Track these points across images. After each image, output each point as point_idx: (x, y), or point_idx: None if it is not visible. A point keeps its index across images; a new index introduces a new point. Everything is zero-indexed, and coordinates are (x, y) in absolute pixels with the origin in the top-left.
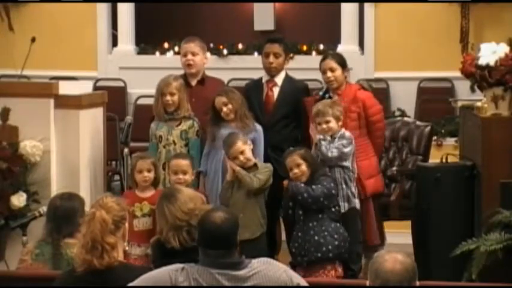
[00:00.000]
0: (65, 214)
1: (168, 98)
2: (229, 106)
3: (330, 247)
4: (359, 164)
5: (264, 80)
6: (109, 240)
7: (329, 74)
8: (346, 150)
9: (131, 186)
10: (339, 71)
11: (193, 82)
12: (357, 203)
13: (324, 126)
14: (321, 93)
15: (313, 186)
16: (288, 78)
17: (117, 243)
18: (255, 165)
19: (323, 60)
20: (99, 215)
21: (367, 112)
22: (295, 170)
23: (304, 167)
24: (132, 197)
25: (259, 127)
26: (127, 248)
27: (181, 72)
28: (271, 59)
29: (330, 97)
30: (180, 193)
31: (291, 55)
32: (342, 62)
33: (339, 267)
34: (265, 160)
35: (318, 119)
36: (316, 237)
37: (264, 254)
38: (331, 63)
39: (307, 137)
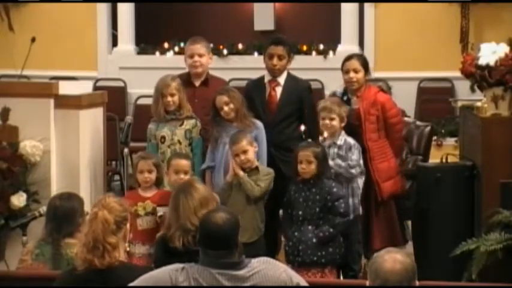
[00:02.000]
0: (65, 214)
1: (169, 99)
2: (231, 105)
3: (323, 253)
4: (378, 166)
5: (266, 80)
6: (110, 240)
7: (352, 74)
8: (352, 171)
9: (133, 186)
10: (361, 73)
11: (197, 82)
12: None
13: (327, 121)
14: (338, 94)
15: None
16: (290, 77)
17: (119, 243)
18: (257, 168)
19: (348, 59)
20: (101, 215)
21: (387, 114)
22: (304, 165)
23: (313, 166)
24: (135, 197)
25: (260, 124)
26: (128, 249)
27: (181, 72)
28: (275, 61)
29: (348, 99)
30: (196, 192)
31: (292, 56)
32: (366, 65)
33: (329, 272)
34: (269, 159)
35: (324, 113)
36: (314, 240)
37: (262, 255)
38: (356, 64)
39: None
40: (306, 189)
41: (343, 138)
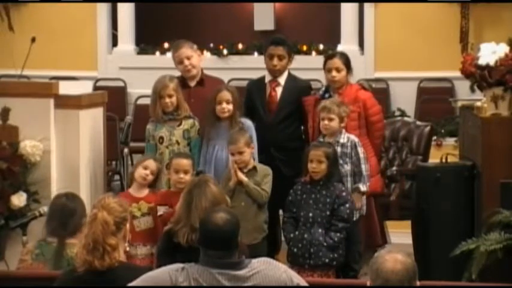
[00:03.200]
0: (71, 213)
1: (167, 100)
2: (230, 106)
3: (335, 255)
4: None
5: (266, 80)
6: (110, 241)
7: (334, 73)
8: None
9: (129, 183)
10: (344, 72)
11: (192, 83)
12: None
13: (326, 122)
14: (320, 92)
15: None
16: (290, 77)
17: (118, 244)
18: (255, 168)
19: (330, 58)
20: (101, 217)
21: (368, 112)
22: (314, 165)
23: (324, 165)
24: (128, 198)
25: (249, 123)
26: (128, 249)
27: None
28: (275, 61)
29: (330, 96)
30: (210, 192)
31: (293, 56)
32: (348, 64)
33: (332, 274)
34: (269, 160)
35: (323, 114)
36: (325, 244)
37: (264, 256)
38: (339, 63)
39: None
40: (315, 191)
41: (346, 136)
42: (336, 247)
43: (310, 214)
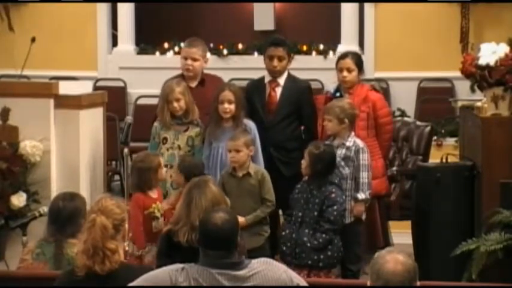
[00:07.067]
0: (69, 215)
1: (175, 104)
2: (232, 106)
3: (321, 257)
4: None
5: (266, 81)
6: (110, 246)
7: (345, 73)
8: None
9: (148, 186)
10: (355, 72)
11: (193, 84)
12: None
13: (326, 122)
14: (331, 91)
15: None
16: (290, 78)
17: (118, 246)
18: (249, 173)
19: (342, 58)
20: (100, 222)
21: (377, 113)
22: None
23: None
24: (146, 199)
25: (252, 124)
26: (127, 248)
27: (180, 72)
28: (275, 62)
29: (340, 95)
30: (210, 191)
31: (293, 56)
32: (360, 64)
33: (324, 275)
34: (268, 160)
35: (324, 115)
36: (308, 245)
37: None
38: (350, 63)
39: (317, 134)
40: (308, 191)
41: (353, 140)
42: (321, 249)
43: (300, 214)
